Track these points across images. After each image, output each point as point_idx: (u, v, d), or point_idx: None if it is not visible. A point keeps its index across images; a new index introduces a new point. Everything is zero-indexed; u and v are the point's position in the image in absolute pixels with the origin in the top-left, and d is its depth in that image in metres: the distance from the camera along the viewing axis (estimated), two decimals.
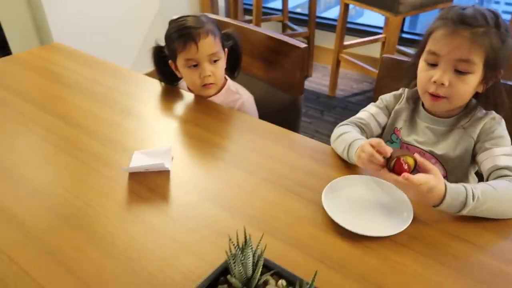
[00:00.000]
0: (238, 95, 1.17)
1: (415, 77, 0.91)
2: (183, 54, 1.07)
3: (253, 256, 0.54)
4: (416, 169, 0.72)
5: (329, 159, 0.92)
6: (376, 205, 0.77)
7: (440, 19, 0.83)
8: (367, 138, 0.94)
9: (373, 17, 3.05)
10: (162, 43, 1.17)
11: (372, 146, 0.74)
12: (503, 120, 0.86)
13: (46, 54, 1.44)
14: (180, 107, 1.16)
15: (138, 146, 0.94)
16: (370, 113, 0.98)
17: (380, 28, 2.94)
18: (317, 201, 0.78)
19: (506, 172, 0.78)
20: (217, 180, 0.86)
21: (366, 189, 0.80)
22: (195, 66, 1.08)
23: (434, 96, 0.84)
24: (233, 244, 0.53)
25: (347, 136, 0.88)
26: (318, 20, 2.90)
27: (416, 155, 0.72)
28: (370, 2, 2.20)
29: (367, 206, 0.77)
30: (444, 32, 0.80)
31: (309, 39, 2.84)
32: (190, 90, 1.20)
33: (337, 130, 0.93)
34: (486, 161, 0.83)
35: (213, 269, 0.56)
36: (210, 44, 1.07)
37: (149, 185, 0.83)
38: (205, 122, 1.06)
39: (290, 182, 0.84)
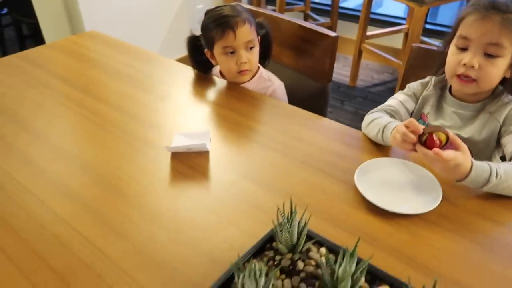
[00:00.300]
0: (270, 82, 1.22)
1: (443, 64, 0.95)
2: (221, 42, 1.13)
3: (298, 225, 0.59)
4: (447, 145, 0.76)
5: (358, 143, 0.96)
6: (407, 185, 0.81)
7: (472, 6, 0.87)
8: None
9: (392, 8, 3.05)
10: (196, 32, 1.23)
11: (406, 126, 0.79)
12: None
13: (83, 41, 1.51)
14: (213, 93, 1.21)
15: (176, 129, 1.00)
16: (399, 100, 1.02)
17: (401, 18, 2.93)
18: (348, 181, 0.82)
19: None
20: (253, 160, 0.91)
21: (396, 170, 0.84)
22: (231, 53, 1.14)
23: (463, 79, 0.88)
24: (281, 214, 0.58)
25: (380, 120, 0.92)
26: (340, 10, 2.91)
27: (448, 131, 0.76)
28: None
29: (397, 186, 0.81)
30: (476, 17, 0.84)
31: (331, 29, 2.86)
32: (223, 77, 1.25)
33: (369, 117, 0.97)
34: (510, 144, 0.86)
35: (255, 240, 0.61)
36: (247, 32, 1.12)
37: (191, 164, 0.89)
38: (238, 107, 1.11)
39: (321, 163, 0.89)
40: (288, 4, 2.97)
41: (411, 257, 0.67)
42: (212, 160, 0.91)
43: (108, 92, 1.18)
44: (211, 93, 1.21)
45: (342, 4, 3.04)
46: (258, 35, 1.17)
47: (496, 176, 0.75)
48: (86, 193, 0.82)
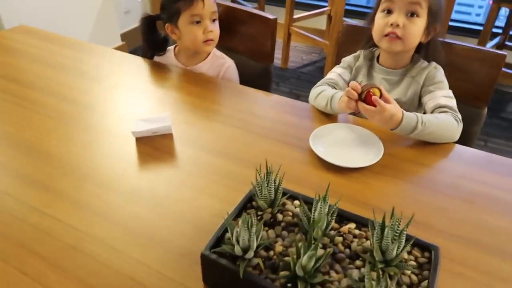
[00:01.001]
0: (223, 60, 1.30)
1: (370, 38, 1.09)
2: (188, 11, 1.18)
3: (274, 183, 0.68)
4: (381, 98, 0.90)
5: (308, 113, 1.07)
6: (354, 144, 0.94)
7: None
8: None
9: None
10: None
11: (351, 87, 0.93)
12: (441, 68, 1.07)
13: (15, 36, 1.44)
14: (165, 79, 1.24)
15: (134, 116, 1.03)
16: (337, 73, 1.15)
17: (323, 0, 3.13)
18: (304, 147, 0.93)
19: (445, 109, 0.99)
20: (216, 137, 0.98)
21: (344, 133, 0.97)
22: (197, 22, 1.20)
23: (391, 37, 1.02)
24: (259, 173, 0.66)
25: (326, 92, 1.05)
26: None
27: (381, 87, 0.91)
28: None
29: (347, 145, 0.94)
30: None
31: None
32: (178, 56, 1.30)
33: (316, 90, 1.09)
34: (430, 101, 1.03)
35: (230, 205, 0.68)
36: (213, 3, 1.21)
37: (156, 146, 0.93)
38: (193, 90, 1.16)
39: (278, 134, 0.99)
40: None
41: (364, 201, 0.80)
42: (176, 140, 0.96)
43: (58, 86, 1.16)
44: (163, 80, 1.24)
45: None
46: None
47: (422, 124, 0.91)
48: (58, 183, 0.83)
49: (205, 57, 1.29)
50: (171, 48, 1.33)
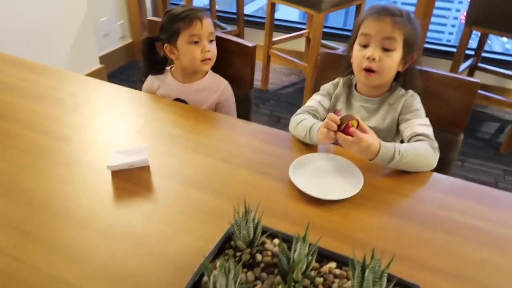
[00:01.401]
0: (222, 79, 1.33)
1: (349, 66, 1.11)
2: (187, 31, 1.22)
3: (253, 222, 0.66)
4: (358, 129, 0.91)
5: (287, 143, 1.07)
6: (334, 175, 0.94)
7: (368, 11, 1.06)
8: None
9: (288, 13, 3.29)
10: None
11: (330, 119, 0.94)
12: (418, 96, 1.09)
13: None
14: (145, 108, 1.22)
15: (112, 147, 1.00)
16: (316, 100, 1.16)
17: (302, 23, 3.18)
18: (284, 178, 0.92)
19: (422, 137, 1.00)
20: (196, 169, 0.96)
21: (324, 163, 0.96)
22: (196, 42, 1.23)
23: (368, 71, 1.04)
24: (237, 213, 0.65)
25: (306, 121, 1.04)
26: (245, 18, 3.05)
27: (358, 118, 0.92)
28: (295, 1, 2.40)
29: (326, 176, 0.93)
30: (372, 18, 1.04)
31: (239, 36, 2.98)
32: (176, 75, 1.31)
33: (295, 119, 1.09)
34: (407, 129, 1.05)
35: (210, 243, 0.66)
36: (210, 24, 1.25)
37: (133, 180, 0.91)
38: (173, 120, 1.15)
39: (258, 164, 0.97)
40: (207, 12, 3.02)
41: (347, 236, 0.79)
42: (154, 173, 0.93)
43: (31, 116, 1.13)
44: (143, 109, 1.22)
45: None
46: None
47: (399, 153, 0.92)
48: (30, 223, 0.79)
49: (203, 76, 1.32)
50: (168, 68, 1.36)
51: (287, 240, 0.66)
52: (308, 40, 2.95)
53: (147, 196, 0.87)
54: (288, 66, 3.19)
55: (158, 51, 1.32)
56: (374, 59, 1.02)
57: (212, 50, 1.26)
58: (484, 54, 2.59)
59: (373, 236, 0.79)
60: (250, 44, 1.27)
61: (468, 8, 2.13)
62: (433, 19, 2.46)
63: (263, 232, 0.68)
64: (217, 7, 3.19)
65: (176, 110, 1.20)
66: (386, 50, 1.02)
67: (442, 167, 1.02)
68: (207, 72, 1.32)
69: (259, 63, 3.08)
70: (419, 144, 0.98)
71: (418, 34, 1.06)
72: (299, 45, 3.08)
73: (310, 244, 0.62)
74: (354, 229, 0.80)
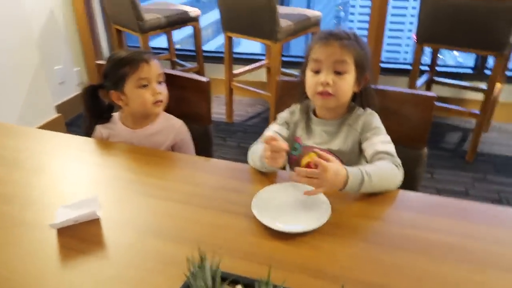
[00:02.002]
0: (173, 121, 1.27)
1: (304, 92, 1.09)
2: (135, 75, 1.17)
3: (210, 270, 0.59)
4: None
5: (249, 176, 1.01)
6: (300, 205, 0.88)
7: (317, 37, 1.05)
8: None
9: (250, 46, 3.34)
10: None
11: (268, 141, 0.92)
12: (377, 114, 1.08)
13: None
14: (95, 156, 1.15)
15: (59, 202, 0.92)
16: (273, 130, 1.13)
17: (261, 54, 3.22)
18: (249, 214, 0.86)
19: (383, 155, 0.98)
20: (152, 216, 0.89)
21: (288, 194, 0.91)
22: (145, 86, 1.18)
23: (323, 95, 1.02)
24: (192, 264, 0.58)
25: (258, 151, 1.01)
26: (204, 54, 3.05)
27: (316, 151, 0.89)
28: (251, 33, 2.42)
29: (292, 207, 0.88)
30: (321, 43, 1.02)
31: (199, 73, 2.97)
32: (125, 121, 1.25)
33: (251, 151, 1.05)
34: (368, 148, 1.02)
35: None
36: (158, 66, 1.21)
37: (82, 236, 0.83)
38: (126, 165, 1.08)
39: (220, 202, 0.91)
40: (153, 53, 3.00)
41: (318, 269, 0.73)
42: (105, 226, 0.85)
43: None
44: (94, 156, 1.15)
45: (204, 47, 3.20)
46: None
47: (367, 175, 0.88)
48: None
49: (155, 119, 1.26)
50: (115, 114, 1.29)
51: (250, 286, 0.59)
52: (269, 70, 2.97)
53: (97, 253, 0.79)
54: (252, 97, 3.19)
55: (102, 99, 1.25)
56: (328, 84, 1.00)
57: (162, 91, 1.22)
58: (438, 69, 2.67)
59: (347, 267, 0.74)
60: (204, 79, 1.24)
61: (417, 27, 2.21)
62: (388, 40, 2.54)
63: (224, 279, 0.61)
64: (177, 46, 3.19)
65: (129, 155, 1.13)
66: (338, 73, 1.01)
67: (409, 183, 1.00)
68: (159, 115, 1.26)
69: (222, 97, 3.07)
70: (382, 163, 0.95)
71: (367, 54, 1.06)
72: (261, 75, 3.10)
73: (275, 286, 0.56)
74: (326, 262, 0.75)
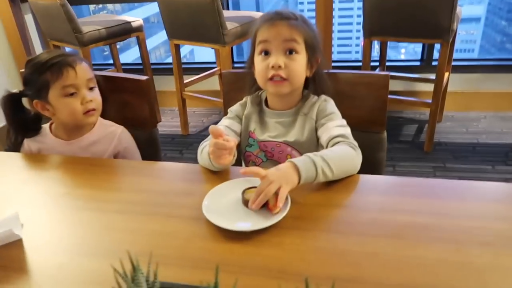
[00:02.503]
0: (114, 127, 1.13)
1: (254, 82, 1.00)
2: (59, 83, 1.02)
3: (147, 282, 0.48)
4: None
5: (199, 176, 0.91)
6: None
7: (262, 18, 0.97)
8: None
9: (206, 54, 3.26)
10: None
11: (214, 136, 0.83)
12: (331, 100, 1.01)
13: None
14: (19, 170, 1.00)
15: None
16: (224, 125, 1.03)
17: (213, 63, 3.14)
18: (199, 216, 0.75)
19: (340, 139, 0.91)
20: (87, 231, 0.76)
21: (241, 190, 0.81)
22: (72, 94, 1.04)
23: (276, 80, 0.94)
24: (120, 275, 0.47)
25: (205, 148, 0.91)
26: (153, 66, 2.93)
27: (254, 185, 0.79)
28: (197, 39, 2.33)
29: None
30: (268, 24, 0.95)
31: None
32: (56, 132, 1.11)
33: (200, 149, 0.96)
34: (323, 135, 0.95)
35: None
36: (87, 69, 1.06)
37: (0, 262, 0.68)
38: (57, 178, 0.94)
39: (168, 207, 0.80)
40: (99, 69, 2.84)
41: (281, 269, 0.63)
42: (29, 248, 0.72)
43: None
44: (18, 173, 0.99)
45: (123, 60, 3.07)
46: None
47: (318, 157, 0.81)
48: None
49: (91, 128, 1.12)
50: (45, 126, 1.13)
51: None
52: (221, 77, 2.89)
53: (19, 280, 0.65)
54: (207, 107, 3.09)
55: (27, 109, 1.10)
56: (280, 67, 0.92)
57: (95, 98, 1.08)
58: (388, 63, 2.70)
59: (313, 262, 0.65)
60: (143, 78, 1.13)
61: (363, 21, 2.21)
62: (339, 42, 2.53)
63: None
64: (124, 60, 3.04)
65: (61, 167, 0.99)
66: (289, 53, 0.93)
67: (373, 168, 0.94)
68: (95, 123, 1.13)
69: (175, 109, 2.95)
70: (338, 147, 0.88)
71: (317, 36, 0.99)
72: (214, 84, 3.01)
73: None
74: (289, 260, 0.65)
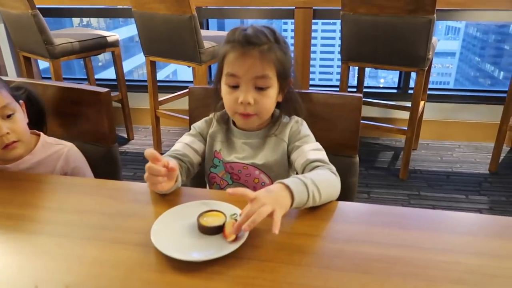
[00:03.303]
0: (60, 146, 1.03)
1: (220, 99, 0.94)
2: None
3: None
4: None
5: (153, 197, 0.82)
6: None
7: (228, 43, 0.88)
8: (188, 168, 0.92)
9: (186, 74, 3.19)
10: None
11: (150, 160, 0.74)
12: (304, 122, 0.95)
13: None
14: None
15: None
16: (184, 143, 0.96)
17: (191, 82, 3.08)
18: (147, 243, 0.67)
19: (317, 163, 0.85)
20: (18, 256, 0.66)
21: (196, 214, 0.73)
22: None
23: (244, 115, 0.88)
24: None
25: None
26: (128, 83, 2.85)
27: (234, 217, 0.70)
28: (174, 56, 2.28)
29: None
30: (236, 54, 0.85)
31: (123, 102, 2.75)
32: None
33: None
34: (299, 158, 0.89)
35: None
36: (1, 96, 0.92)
37: None
38: None
39: (114, 231, 0.71)
40: (72, 83, 2.74)
41: None
42: None
43: None
44: None
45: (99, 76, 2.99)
46: (18, 99, 0.98)
47: (308, 179, 0.74)
48: None
49: (31, 149, 1.00)
50: None
51: None
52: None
53: None
54: (181, 126, 3.01)
55: None
56: (249, 103, 0.86)
57: (13, 129, 0.93)
58: (365, 90, 2.70)
59: None
60: (101, 90, 1.05)
61: (341, 46, 2.21)
62: (321, 62, 2.53)
63: None
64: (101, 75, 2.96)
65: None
66: (260, 89, 0.86)
67: (345, 194, 0.88)
68: (37, 142, 1.01)
69: (149, 128, 2.86)
70: (321, 171, 0.83)
71: (288, 54, 0.91)
72: None
73: None
74: None
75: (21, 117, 0.96)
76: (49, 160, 1.00)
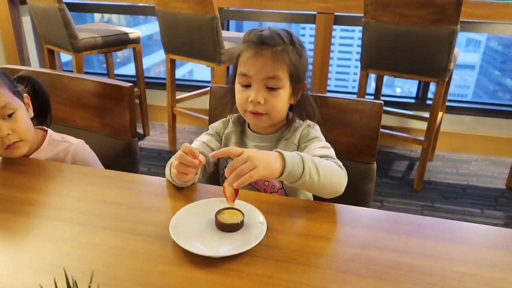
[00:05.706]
0: (67, 143, 1.01)
1: (234, 100, 0.94)
2: None
3: None
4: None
5: (172, 191, 0.84)
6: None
7: (244, 43, 0.90)
8: (204, 166, 0.92)
9: (204, 74, 3.20)
10: None
11: (184, 152, 0.76)
12: (316, 125, 0.95)
13: None
14: None
15: None
16: (202, 141, 0.98)
17: (208, 81, 3.10)
18: (165, 236, 0.68)
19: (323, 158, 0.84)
20: (39, 242, 0.68)
21: (214, 210, 0.74)
22: None
23: (255, 114, 0.89)
24: None
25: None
26: (147, 80, 2.89)
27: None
28: (194, 56, 2.30)
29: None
30: (249, 53, 0.87)
31: (141, 98, 2.79)
32: None
33: (168, 162, 0.88)
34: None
35: None
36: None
37: None
38: (13, 181, 0.86)
39: (131, 223, 0.73)
40: None
41: None
42: None
43: None
44: None
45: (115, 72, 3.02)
46: (21, 93, 0.96)
47: (307, 157, 0.75)
48: None
49: (37, 147, 0.99)
50: None
51: None
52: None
53: None
54: (197, 125, 3.03)
55: None
56: (259, 102, 0.86)
57: (15, 129, 0.90)
58: (383, 98, 2.69)
59: None
60: (124, 84, 1.07)
61: (361, 52, 2.20)
62: (337, 69, 2.52)
63: None
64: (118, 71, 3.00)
65: (21, 168, 0.91)
66: (271, 89, 0.87)
67: (360, 200, 0.88)
68: (43, 139, 1.00)
69: (165, 125, 2.89)
70: (324, 159, 0.82)
71: (304, 57, 0.91)
72: (207, 102, 2.97)
73: None
74: None
75: (23, 115, 0.93)
76: (56, 159, 0.99)
